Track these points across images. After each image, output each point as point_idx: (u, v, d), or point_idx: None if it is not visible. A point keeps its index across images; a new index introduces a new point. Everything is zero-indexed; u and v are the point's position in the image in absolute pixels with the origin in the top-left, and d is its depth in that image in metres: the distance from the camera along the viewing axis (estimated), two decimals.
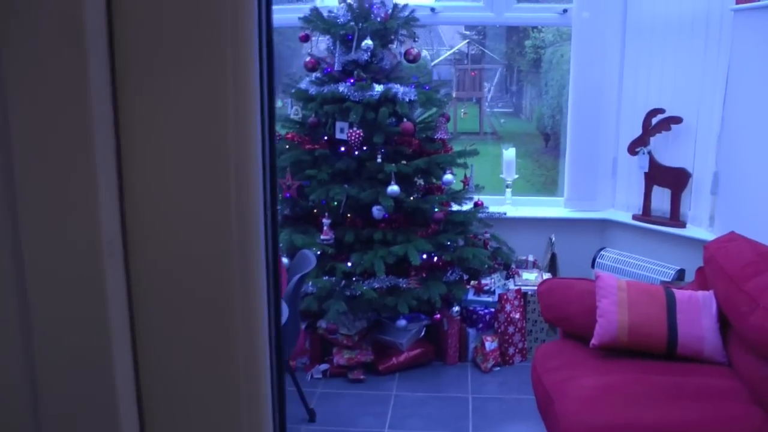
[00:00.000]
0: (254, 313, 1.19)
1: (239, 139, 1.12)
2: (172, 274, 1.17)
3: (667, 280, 4.40)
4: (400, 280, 4.21)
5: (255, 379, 1.22)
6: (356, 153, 4.24)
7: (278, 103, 6.37)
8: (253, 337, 1.20)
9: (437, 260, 4.36)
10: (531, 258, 5.00)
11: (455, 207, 4.57)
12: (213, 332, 1.18)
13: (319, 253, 4.09)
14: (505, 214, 4.85)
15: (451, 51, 9.99)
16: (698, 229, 4.60)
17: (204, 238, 1.15)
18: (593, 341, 3.26)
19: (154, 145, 1.13)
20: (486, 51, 10.37)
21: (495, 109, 10.95)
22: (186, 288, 1.17)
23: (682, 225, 4.66)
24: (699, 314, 3.21)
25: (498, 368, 4.43)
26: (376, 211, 4.16)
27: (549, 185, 8.52)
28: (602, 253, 4.85)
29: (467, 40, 10.08)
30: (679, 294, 3.30)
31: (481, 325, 4.48)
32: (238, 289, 1.17)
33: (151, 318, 1.18)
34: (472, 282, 4.62)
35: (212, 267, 1.16)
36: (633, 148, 4.75)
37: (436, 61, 9.70)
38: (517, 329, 4.47)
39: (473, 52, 10.14)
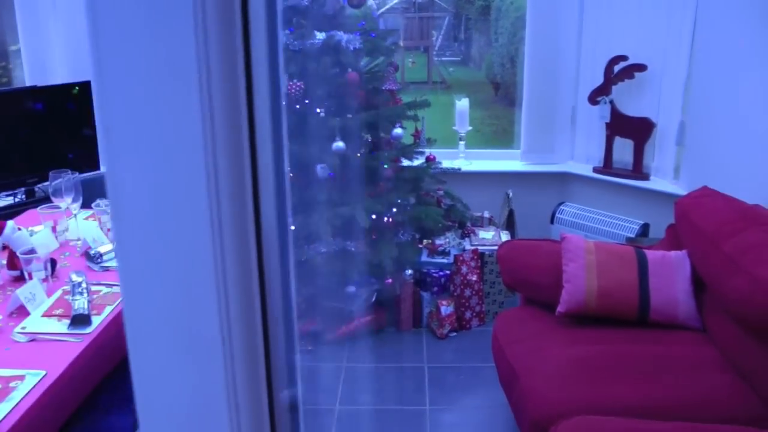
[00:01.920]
0: None
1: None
2: None
3: (631, 235, 4.20)
4: (348, 243, 3.93)
5: None
6: (297, 107, 3.90)
7: None
8: None
9: (388, 221, 4.07)
10: (487, 215, 4.74)
11: (406, 163, 4.29)
12: None
13: None
14: (459, 169, 4.57)
15: None
16: (662, 182, 4.39)
17: None
18: (559, 308, 3.01)
19: None
20: None
21: (443, 58, 10.81)
22: None
23: (646, 177, 4.44)
24: (672, 277, 2.98)
25: (454, 334, 4.18)
26: (320, 170, 3.85)
27: (500, 135, 8.39)
28: (562, 207, 4.62)
29: None
30: (651, 255, 3.06)
31: (435, 289, 4.23)
32: None
33: None
34: (425, 242, 4.36)
35: None
36: (594, 98, 4.49)
37: (382, 10, 9.43)
38: (474, 292, 4.22)
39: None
